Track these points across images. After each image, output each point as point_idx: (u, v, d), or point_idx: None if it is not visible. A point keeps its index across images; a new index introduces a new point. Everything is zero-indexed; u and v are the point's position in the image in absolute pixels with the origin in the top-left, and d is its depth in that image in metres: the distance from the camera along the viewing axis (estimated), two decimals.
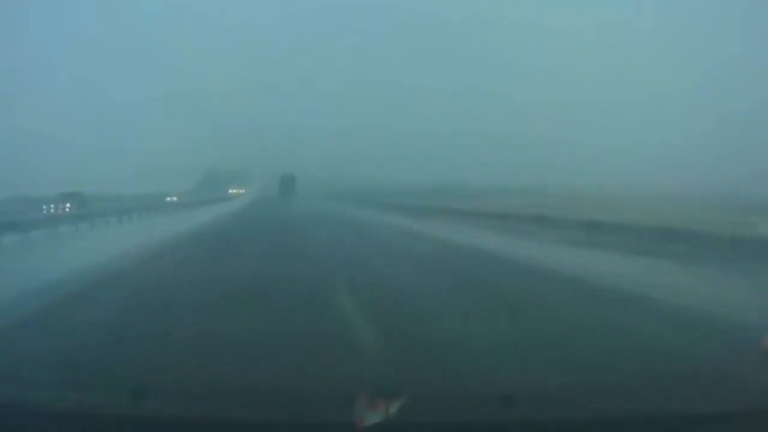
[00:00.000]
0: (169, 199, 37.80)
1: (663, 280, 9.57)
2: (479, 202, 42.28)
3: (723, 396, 2.79)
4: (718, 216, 23.50)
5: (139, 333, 5.63)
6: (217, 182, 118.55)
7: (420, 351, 5.16)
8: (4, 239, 14.70)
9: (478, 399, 2.89)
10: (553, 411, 2.53)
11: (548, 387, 4.14)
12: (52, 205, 39.90)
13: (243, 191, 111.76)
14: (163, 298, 7.61)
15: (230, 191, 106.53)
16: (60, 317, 6.62)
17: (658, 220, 18.03)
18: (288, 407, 2.53)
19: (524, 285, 9.50)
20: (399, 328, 5.90)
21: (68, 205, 40.55)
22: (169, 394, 2.84)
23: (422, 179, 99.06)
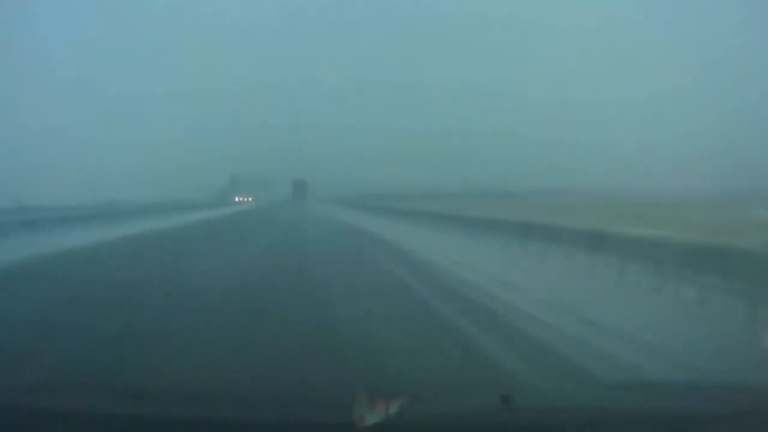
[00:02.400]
0: None
1: None
2: (494, 206, 38.78)
3: (723, 396, 2.78)
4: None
5: None
6: (238, 187, 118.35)
7: None
8: None
9: (478, 399, 2.89)
10: (553, 411, 2.52)
11: (548, 387, 4.15)
12: None
13: (250, 199, 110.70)
14: None
15: (236, 199, 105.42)
16: None
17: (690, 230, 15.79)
18: (287, 407, 2.52)
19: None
20: None
21: None
22: (169, 393, 2.84)
23: (452, 182, 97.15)
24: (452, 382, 5.25)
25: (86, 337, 6.42)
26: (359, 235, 26.63)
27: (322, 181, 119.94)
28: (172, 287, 10.11)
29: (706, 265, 8.63)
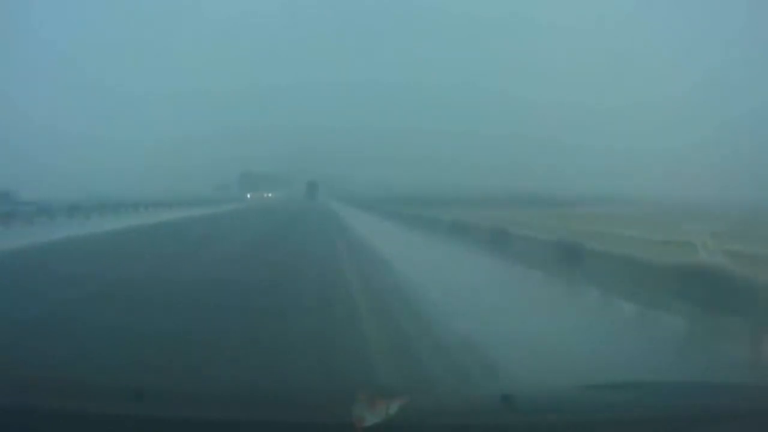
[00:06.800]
0: None
1: None
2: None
3: (722, 396, 2.78)
4: None
5: None
6: (249, 185, 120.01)
7: None
8: None
9: (478, 399, 2.89)
10: (554, 411, 2.52)
11: (549, 387, 4.14)
12: None
13: (268, 195, 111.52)
14: None
15: (248, 195, 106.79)
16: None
17: None
18: (287, 407, 2.52)
19: None
20: None
21: None
22: (168, 393, 2.84)
23: (473, 188, 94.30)
24: (452, 382, 5.26)
25: None
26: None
27: (336, 181, 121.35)
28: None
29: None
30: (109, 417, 2.20)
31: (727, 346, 6.33)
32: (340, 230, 29.57)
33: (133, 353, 6.01)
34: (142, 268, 13.55)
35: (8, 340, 6.60)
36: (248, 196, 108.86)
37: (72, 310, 8.54)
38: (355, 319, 8.15)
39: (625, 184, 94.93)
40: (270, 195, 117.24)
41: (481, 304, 9.50)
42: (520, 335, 7.16)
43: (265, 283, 11.12)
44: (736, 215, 33.02)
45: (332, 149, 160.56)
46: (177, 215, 41.37)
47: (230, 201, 76.43)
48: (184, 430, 2.16)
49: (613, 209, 50.03)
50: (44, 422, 2.18)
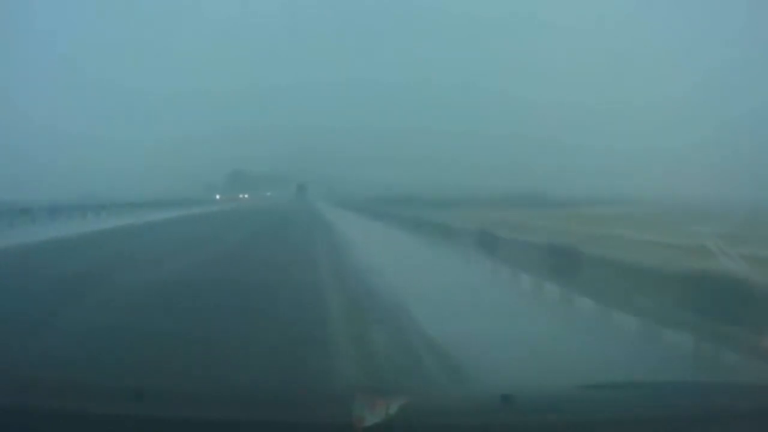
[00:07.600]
0: None
1: None
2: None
3: (723, 396, 2.78)
4: None
5: None
6: (240, 185, 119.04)
7: None
8: None
9: (478, 399, 2.89)
10: (554, 411, 2.52)
11: (548, 387, 4.15)
12: None
13: (247, 196, 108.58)
14: None
15: (240, 196, 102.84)
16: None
17: None
18: (287, 407, 2.52)
19: None
20: None
21: None
22: (168, 393, 2.84)
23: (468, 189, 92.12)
24: (452, 382, 5.26)
25: None
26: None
27: (335, 181, 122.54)
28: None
29: None
30: (109, 417, 2.20)
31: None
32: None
33: None
34: None
35: None
36: (217, 197, 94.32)
37: None
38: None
39: (625, 184, 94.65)
40: (246, 196, 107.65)
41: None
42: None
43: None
44: (738, 216, 32.53)
45: (331, 149, 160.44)
46: (112, 225, 29.41)
47: (193, 204, 63.17)
48: (184, 430, 2.16)
49: (614, 210, 49.71)
50: (44, 422, 2.18)
